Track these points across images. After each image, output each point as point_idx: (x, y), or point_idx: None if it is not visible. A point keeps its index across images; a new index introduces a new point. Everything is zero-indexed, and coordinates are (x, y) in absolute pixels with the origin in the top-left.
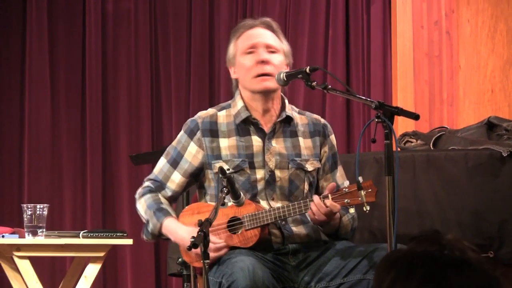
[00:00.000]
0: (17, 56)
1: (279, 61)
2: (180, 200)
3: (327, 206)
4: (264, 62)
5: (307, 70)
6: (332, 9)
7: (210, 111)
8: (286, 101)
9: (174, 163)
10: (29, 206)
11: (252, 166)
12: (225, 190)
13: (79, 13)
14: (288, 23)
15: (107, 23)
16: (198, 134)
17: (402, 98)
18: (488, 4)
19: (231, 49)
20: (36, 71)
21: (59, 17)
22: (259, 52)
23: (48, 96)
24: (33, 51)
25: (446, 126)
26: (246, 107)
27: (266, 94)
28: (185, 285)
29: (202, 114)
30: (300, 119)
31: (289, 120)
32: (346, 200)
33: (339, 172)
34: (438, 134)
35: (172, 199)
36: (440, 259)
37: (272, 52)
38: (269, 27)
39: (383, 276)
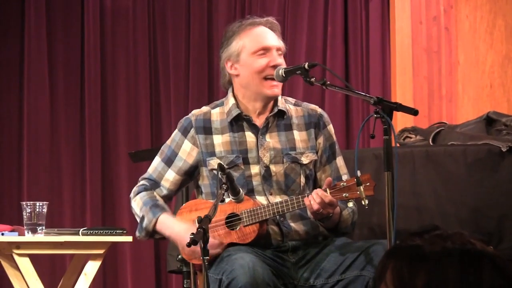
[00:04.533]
0: (15, 55)
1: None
2: (179, 198)
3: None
4: (277, 66)
5: (306, 66)
6: (330, 6)
7: (204, 109)
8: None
9: (169, 162)
10: (29, 204)
11: (246, 162)
12: (224, 186)
13: (78, 11)
14: (287, 20)
15: (106, 20)
16: (192, 131)
17: (401, 94)
18: None
19: (235, 45)
20: (34, 70)
21: (57, 15)
22: (273, 55)
23: (47, 94)
24: (31, 50)
25: (445, 122)
26: (237, 104)
27: (271, 99)
28: (185, 282)
29: (195, 112)
30: (296, 111)
31: (282, 113)
32: (344, 194)
33: (339, 163)
34: (437, 130)
35: (166, 198)
36: (479, 253)
37: (280, 55)
38: (272, 27)
39: (415, 272)
